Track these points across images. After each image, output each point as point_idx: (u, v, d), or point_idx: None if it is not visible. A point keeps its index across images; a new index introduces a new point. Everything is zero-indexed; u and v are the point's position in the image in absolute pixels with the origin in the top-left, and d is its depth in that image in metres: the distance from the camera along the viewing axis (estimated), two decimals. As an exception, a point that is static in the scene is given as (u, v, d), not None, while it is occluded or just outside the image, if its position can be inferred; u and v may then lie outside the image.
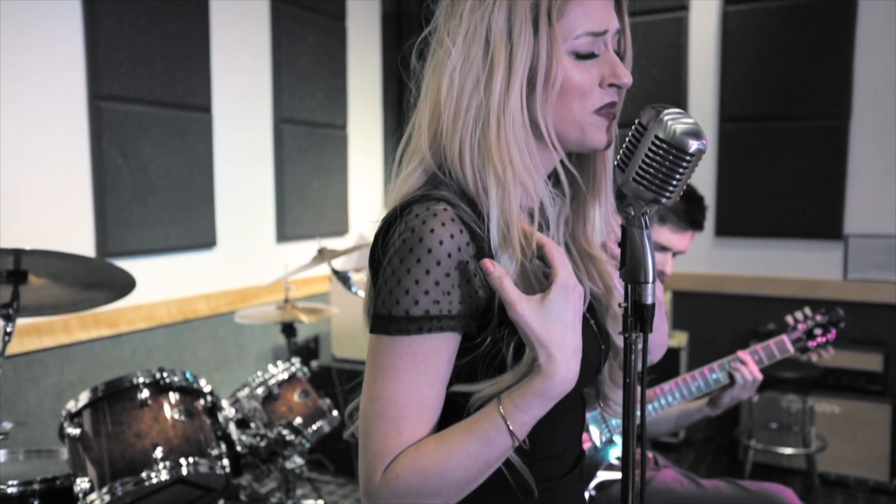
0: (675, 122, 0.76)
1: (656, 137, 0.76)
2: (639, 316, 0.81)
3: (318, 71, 3.86)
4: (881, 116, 3.49)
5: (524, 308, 0.78)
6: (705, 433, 3.96)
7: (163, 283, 3.08)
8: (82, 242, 2.75)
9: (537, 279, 0.86)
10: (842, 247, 3.60)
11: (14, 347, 2.49)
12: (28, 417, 2.56)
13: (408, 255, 0.80)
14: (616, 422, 1.68)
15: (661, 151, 0.77)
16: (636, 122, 0.79)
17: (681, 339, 3.79)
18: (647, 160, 0.77)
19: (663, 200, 0.78)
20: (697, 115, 3.86)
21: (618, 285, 0.94)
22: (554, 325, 0.78)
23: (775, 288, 3.75)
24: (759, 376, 1.78)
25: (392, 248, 0.82)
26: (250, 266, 3.49)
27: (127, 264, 2.90)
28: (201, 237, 3.24)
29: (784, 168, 3.68)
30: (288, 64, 3.64)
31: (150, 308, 3.02)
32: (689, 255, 3.87)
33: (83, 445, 1.65)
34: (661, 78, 3.91)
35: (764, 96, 3.71)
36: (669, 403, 1.76)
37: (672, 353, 3.68)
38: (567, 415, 0.93)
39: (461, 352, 0.84)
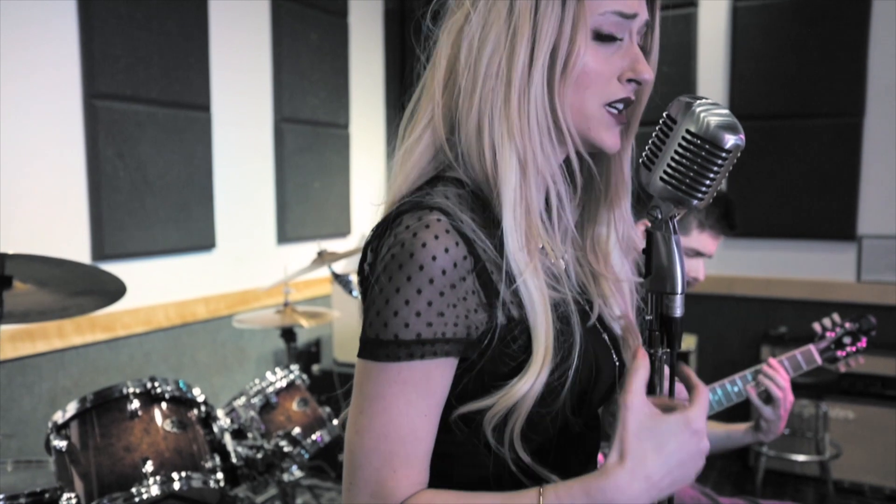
0: (708, 114, 0.69)
1: (688, 132, 0.69)
2: (667, 330, 0.73)
3: (319, 69, 3.79)
4: (896, 114, 3.41)
5: (636, 403, 0.71)
6: (715, 438, 3.88)
7: (160, 287, 3.02)
8: (77, 245, 2.69)
9: (556, 279, 0.79)
10: (855, 248, 3.52)
11: (7, 353, 2.43)
12: (21, 424, 2.49)
13: (397, 271, 0.72)
14: None
15: (693, 147, 0.69)
16: (664, 114, 0.72)
17: (689, 342, 3.71)
18: (678, 157, 0.70)
19: (695, 203, 0.71)
20: (707, 114, 3.78)
21: (629, 305, 0.86)
22: (648, 441, 0.70)
23: (787, 290, 3.66)
24: (786, 387, 1.61)
25: (381, 263, 0.75)
26: (251, 268, 3.42)
27: (123, 267, 2.85)
28: (200, 239, 3.17)
29: (796, 167, 3.60)
30: (289, 62, 3.57)
31: (147, 311, 2.95)
32: (699, 257, 3.72)
33: (70, 458, 1.57)
34: (669, 75, 3.79)
35: (775, 94, 3.63)
36: None
37: (680, 358, 3.59)
38: (579, 438, 0.85)
39: (460, 374, 0.76)
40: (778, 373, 1.63)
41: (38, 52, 2.52)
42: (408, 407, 0.73)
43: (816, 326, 1.76)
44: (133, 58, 2.81)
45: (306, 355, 3.64)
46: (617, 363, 0.87)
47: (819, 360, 1.71)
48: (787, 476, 3.48)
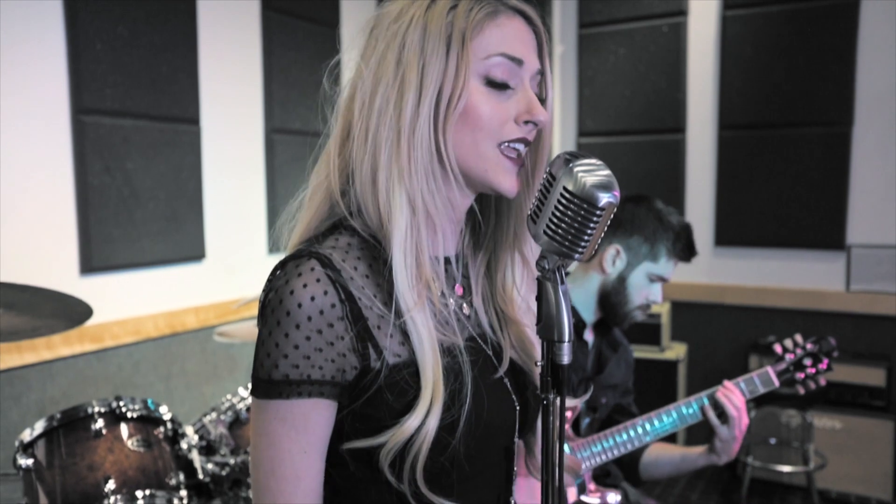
0: (586, 173, 0.71)
1: (565, 189, 0.71)
2: (554, 377, 0.76)
3: (311, 79, 3.82)
4: (884, 123, 3.39)
5: None
6: (705, 447, 3.88)
7: (150, 297, 3.06)
8: (65, 257, 2.73)
9: (445, 323, 0.82)
10: (844, 257, 3.51)
11: (-6, 364, 2.48)
12: (9, 436, 2.54)
13: (270, 316, 0.78)
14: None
15: (571, 205, 0.71)
16: (547, 170, 0.74)
17: (679, 350, 3.72)
18: (558, 213, 0.72)
19: (576, 256, 0.73)
20: (696, 123, 3.79)
21: (538, 349, 0.88)
22: None
23: (776, 299, 3.66)
24: (741, 407, 1.65)
25: (263, 307, 0.81)
26: (241, 278, 3.46)
27: (112, 279, 2.90)
28: (190, 250, 3.21)
29: (785, 176, 3.60)
30: (279, 73, 3.61)
31: (136, 322, 2.99)
32: (689, 265, 3.76)
33: (37, 476, 1.61)
34: (659, 84, 3.83)
35: (764, 103, 3.63)
36: (638, 435, 1.69)
37: (670, 366, 3.61)
38: (486, 472, 0.87)
39: (343, 415, 0.80)
40: (734, 394, 1.65)
41: (24, 69, 2.56)
42: (289, 443, 0.78)
43: (777, 347, 1.77)
44: (121, 73, 2.86)
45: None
46: (517, 408, 0.88)
47: (776, 383, 1.72)
48: (773, 485, 3.48)
